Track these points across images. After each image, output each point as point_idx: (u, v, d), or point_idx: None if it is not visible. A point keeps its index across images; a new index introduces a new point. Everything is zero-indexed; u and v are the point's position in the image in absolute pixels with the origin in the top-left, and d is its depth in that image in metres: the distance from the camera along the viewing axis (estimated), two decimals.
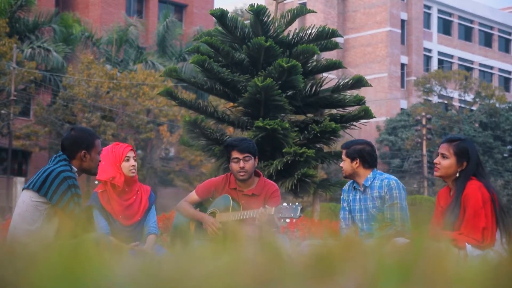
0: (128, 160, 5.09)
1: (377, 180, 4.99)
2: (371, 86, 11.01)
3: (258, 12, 10.08)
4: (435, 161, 4.34)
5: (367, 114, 10.31)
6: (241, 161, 5.09)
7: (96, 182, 5.14)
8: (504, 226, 4.18)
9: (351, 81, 10.42)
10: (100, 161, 4.34)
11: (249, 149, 5.12)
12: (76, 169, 4.20)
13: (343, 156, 5.04)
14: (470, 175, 4.23)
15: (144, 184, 5.37)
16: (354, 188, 5.07)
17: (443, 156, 4.29)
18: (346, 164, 5.01)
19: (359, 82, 10.41)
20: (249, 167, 5.10)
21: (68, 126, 30.85)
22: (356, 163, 5.00)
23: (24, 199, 4.14)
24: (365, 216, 5.00)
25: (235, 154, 5.12)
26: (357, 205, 5.04)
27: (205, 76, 10.37)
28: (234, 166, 5.11)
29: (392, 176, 5.04)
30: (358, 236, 4.98)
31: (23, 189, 4.23)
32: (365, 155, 4.99)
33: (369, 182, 4.97)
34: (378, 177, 5.00)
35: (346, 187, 5.18)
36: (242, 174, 5.09)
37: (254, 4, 10.15)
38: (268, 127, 9.65)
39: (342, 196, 5.17)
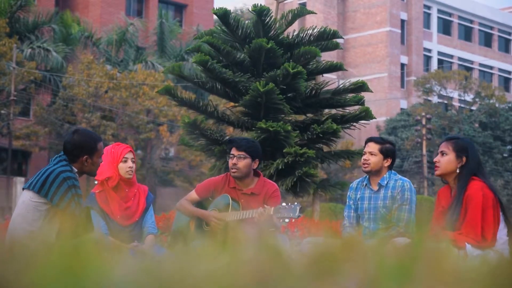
0: (125, 161, 5.07)
1: (392, 181, 5.00)
2: (372, 92, 10.94)
3: (260, 13, 10.07)
4: (435, 159, 4.36)
5: (367, 114, 10.30)
6: (235, 158, 5.12)
7: (96, 182, 5.15)
8: (510, 225, 4.20)
9: (352, 86, 10.40)
10: (101, 162, 4.33)
11: (246, 148, 5.14)
12: (76, 170, 4.19)
13: (376, 151, 5.00)
14: (471, 172, 4.24)
15: (142, 184, 5.37)
16: (365, 186, 5.06)
17: (443, 154, 4.32)
18: (376, 159, 4.99)
19: (360, 88, 10.38)
20: (242, 166, 5.11)
21: (68, 126, 30.87)
22: (387, 161, 5.01)
23: (24, 199, 4.12)
24: (373, 215, 4.99)
25: (232, 151, 5.18)
26: (365, 203, 5.02)
27: (206, 75, 10.36)
28: (229, 161, 5.17)
29: (406, 178, 5.06)
30: (360, 236, 4.97)
31: (23, 188, 4.22)
32: (395, 156, 5.02)
33: (385, 182, 4.98)
34: (392, 178, 5.02)
35: (354, 184, 5.16)
36: (233, 170, 5.12)
37: (258, 4, 10.13)
38: (270, 129, 9.65)
39: (348, 194, 5.15)
